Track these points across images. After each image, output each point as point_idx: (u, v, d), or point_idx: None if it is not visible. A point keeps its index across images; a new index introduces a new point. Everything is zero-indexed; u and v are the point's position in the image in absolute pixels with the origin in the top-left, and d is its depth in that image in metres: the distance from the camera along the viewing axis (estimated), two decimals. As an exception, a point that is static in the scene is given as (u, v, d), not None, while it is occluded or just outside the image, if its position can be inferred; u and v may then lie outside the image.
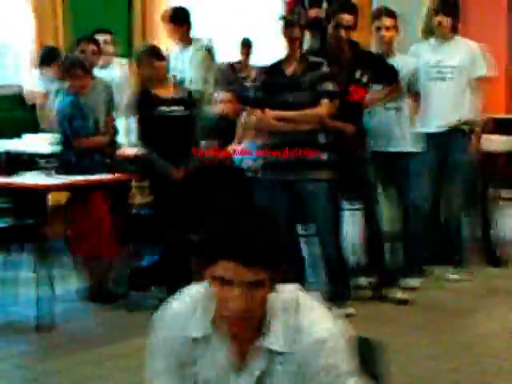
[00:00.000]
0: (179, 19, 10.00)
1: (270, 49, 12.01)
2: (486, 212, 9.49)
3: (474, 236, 9.60)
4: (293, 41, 7.46)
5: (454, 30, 8.70)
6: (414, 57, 8.73)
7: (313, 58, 7.61)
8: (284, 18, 7.61)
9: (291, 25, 7.45)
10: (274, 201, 7.35)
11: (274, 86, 7.53)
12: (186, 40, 10.02)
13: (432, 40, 8.73)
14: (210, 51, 10.31)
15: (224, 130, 8.83)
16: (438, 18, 8.58)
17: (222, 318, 2.76)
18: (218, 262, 2.66)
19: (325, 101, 7.46)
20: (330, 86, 7.50)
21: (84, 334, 7.24)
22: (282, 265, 2.76)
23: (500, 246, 9.51)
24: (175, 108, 8.00)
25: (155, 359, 2.95)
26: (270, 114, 7.45)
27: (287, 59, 7.53)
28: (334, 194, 7.75)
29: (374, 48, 8.67)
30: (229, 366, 2.88)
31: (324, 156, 7.50)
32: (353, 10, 8.27)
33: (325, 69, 7.51)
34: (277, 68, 7.57)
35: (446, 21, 8.58)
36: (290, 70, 7.52)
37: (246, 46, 11.41)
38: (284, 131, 7.41)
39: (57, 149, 8.33)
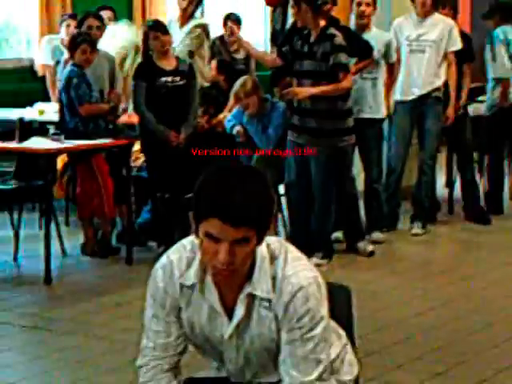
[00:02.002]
0: None
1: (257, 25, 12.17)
2: (472, 173, 9.49)
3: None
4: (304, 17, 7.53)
5: (433, 6, 8.71)
6: (396, 30, 8.77)
7: (331, 30, 7.55)
8: None
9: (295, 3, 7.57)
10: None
11: (297, 52, 7.64)
12: (187, 17, 10.12)
13: (413, 16, 8.74)
14: (205, 28, 10.42)
15: (215, 98, 8.90)
16: None
17: (211, 269, 2.84)
18: (209, 220, 2.72)
19: (344, 75, 7.50)
20: (342, 58, 7.50)
21: (88, 286, 7.33)
22: (268, 223, 2.83)
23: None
24: (176, 79, 8.01)
25: (153, 305, 3.03)
26: (302, 92, 7.51)
27: (310, 30, 7.59)
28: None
29: (353, 21, 8.74)
30: (218, 310, 2.95)
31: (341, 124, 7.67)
32: None
33: (337, 40, 7.47)
34: (304, 34, 7.64)
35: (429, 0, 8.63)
36: (311, 39, 7.56)
37: (234, 19, 11.42)
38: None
39: (57, 116, 8.48)
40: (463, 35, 9.16)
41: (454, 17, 9.23)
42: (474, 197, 9.41)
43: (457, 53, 8.83)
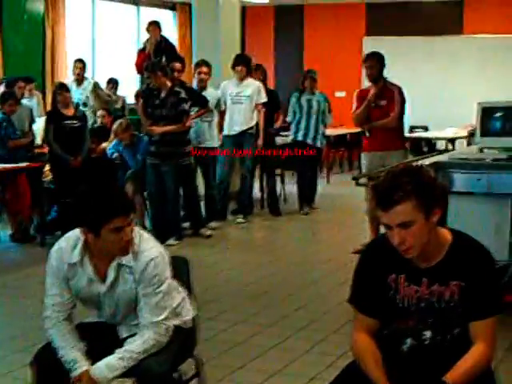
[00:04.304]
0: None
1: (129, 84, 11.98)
2: (273, 181, 9.36)
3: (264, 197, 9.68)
4: (159, 80, 7.39)
5: (248, 73, 8.67)
6: (223, 89, 8.71)
7: (176, 88, 7.50)
8: (148, 67, 7.59)
9: (153, 70, 7.43)
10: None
11: (154, 104, 7.47)
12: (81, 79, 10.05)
13: (234, 79, 8.68)
14: (97, 86, 10.31)
15: (101, 134, 8.78)
16: (238, 68, 8.56)
17: (119, 251, 2.83)
18: (114, 219, 2.74)
19: (186, 118, 7.49)
20: (185, 107, 7.48)
21: (14, 261, 7.14)
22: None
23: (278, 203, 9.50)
24: (74, 122, 7.88)
25: (50, 276, 2.99)
26: (156, 129, 7.42)
27: (160, 88, 7.43)
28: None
29: (194, 84, 8.70)
30: (94, 278, 2.92)
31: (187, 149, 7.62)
32: (181, 60, 8.33)
33: (182, 95, 7.43)
34: (157, 92, 7.46)
35: (242, 69, 8.56)
36: (162, 95, 7.43)
37: (113, 83, 11.26)
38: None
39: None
40: (272, 92, 9.29)
41: (264, 78, 9.26)
42: (273, 198, 9.37)
43: (270, 104, 8.87)
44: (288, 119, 9.36)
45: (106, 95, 10.57)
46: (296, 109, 9.18)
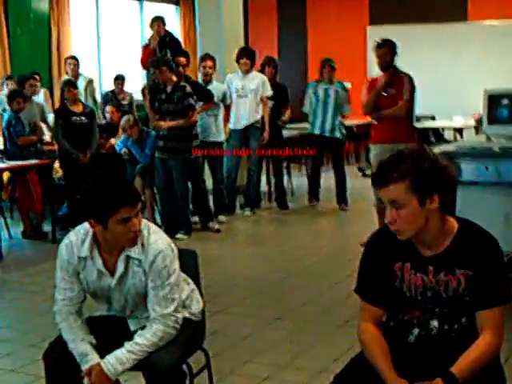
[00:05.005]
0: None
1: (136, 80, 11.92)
2: (281, 175, 9.28)
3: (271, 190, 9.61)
4: (165, 75, 7.35)
5: (252, 66, 8.62)
6: (228, 83, 8.65)
7: (182, 83, 7.46)
8: (153, 62, 7.55)
9: (158, 65, 7.39)
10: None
11: (160, 99, 7.45)
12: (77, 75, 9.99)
13: (239, 73, 8.64)
14: (92, 83, 10.30)
15: (109, 130, 8.78)
16: (243, 61, 8.52)
17: (128, 242, 2.84)
18: (120, 210, 2.74)
19: (192, 112, 7.44)
20: (191, 101, 7.43)
21: (27, 258, 7.16)
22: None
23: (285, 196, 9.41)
24: (83, 118, 7.89)
25: (60, 271, 2.99)
26: (163, 123, 7.41)
27: (166, 83, 7.39)
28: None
29: (200, 78, 8.66)
30: (104, 271, 2.93)
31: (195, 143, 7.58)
32: (186, 54, 8.30)
33: (187, 89, 7.39)
34: (163, 87, 7.44)
35: (247, 62, 8.52)
36: (168, 90, 7.40)
37: (121, 79, 11.22)
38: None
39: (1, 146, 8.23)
40: (282, 86, 9.14)
41: (276, 72, 9.13)
42: (280, 192, 9.30)
43: (278, 98, 8.84)
44: (305, 110, 9.21)
45: (92, 101, 10.36)
46: (313, 99, 8.98)
